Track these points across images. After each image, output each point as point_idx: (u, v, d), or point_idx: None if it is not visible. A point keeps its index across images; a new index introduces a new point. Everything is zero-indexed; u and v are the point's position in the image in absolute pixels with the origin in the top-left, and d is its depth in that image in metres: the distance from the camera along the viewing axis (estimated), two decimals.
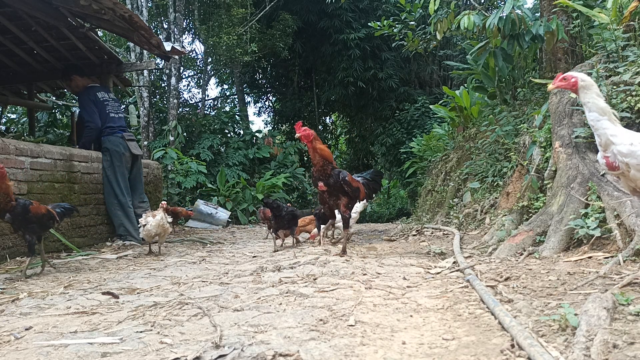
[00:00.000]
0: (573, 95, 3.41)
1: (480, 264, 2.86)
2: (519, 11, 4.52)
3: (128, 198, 5.09)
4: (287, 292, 2.37)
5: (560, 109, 3.58)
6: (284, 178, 10.63)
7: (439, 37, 5.74)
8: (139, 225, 3.99)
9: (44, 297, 2.48)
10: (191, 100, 17.26)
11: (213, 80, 18.42)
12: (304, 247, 4.27)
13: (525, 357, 1.37)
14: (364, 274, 2.81)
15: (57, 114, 9.20)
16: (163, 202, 4.24)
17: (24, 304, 2.33)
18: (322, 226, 4.51)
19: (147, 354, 1.53)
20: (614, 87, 3.23)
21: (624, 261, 2.35)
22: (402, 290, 2.36)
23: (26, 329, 1.87)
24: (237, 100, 16.75)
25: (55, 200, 4.39)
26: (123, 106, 5.45)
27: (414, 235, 5.16)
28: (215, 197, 9.54)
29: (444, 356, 1.44)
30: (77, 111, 7.83)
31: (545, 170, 3.63)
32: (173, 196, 8.76)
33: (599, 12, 3.80)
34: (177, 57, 9.26)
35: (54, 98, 8.98)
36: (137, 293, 2.54)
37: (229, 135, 12.52)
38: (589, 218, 2.84)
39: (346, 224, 3.75)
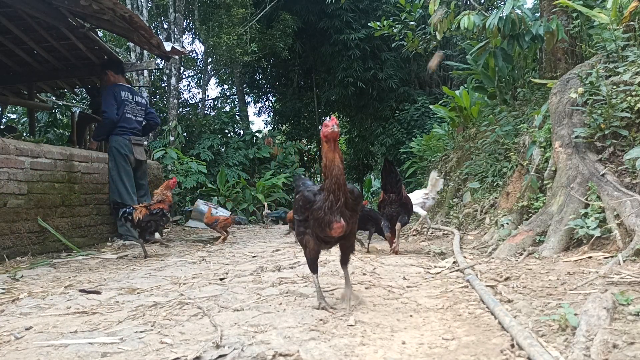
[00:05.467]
0: (573, 95, 3.42)
1: (480, 264, 2.86)
2: (519, 11, 4.51)
3: (134, 197, 5.10)
4: (287, 292, 2.37)
5: (560, 109, 3.58)
6: (284, 178, 10.62)
7: (439, 37, 5.74)
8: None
9: (44, 297, 2.48)
10: (191, 100, 17.25)
11: (213, 80, 18.41)
12: None
13: (525, 357, 1.37)
14: (364, 274, 2.81)
15: (57, 114, 9.21)
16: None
17: (24, 304, 2.33)
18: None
19: (147, 354, 1.54)
20: (614, 87, 3.22)
21: (624, 261, 2.34)
22: (402, 290, 2.36)
23: (26, 329, 1.87)
24: (237, 100, 16.74)
25: (55, 200, 4.40)
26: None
27: (414, 235, 5.16)
28: (216, 197, 9.53)
29: (443, 356, 1.44)
30: (77, 111, 7.83)
31: (545, 170, 3.63)
32: (173, 196, 8.75)
33: (599, 12, 3.79)
34: (177, 57, 9.26)
35: (54, 98, 8.98)
36: (137, 293, 2.54)
37: (229, 135, 12.50)
38: (588, 218, 2.83)
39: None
